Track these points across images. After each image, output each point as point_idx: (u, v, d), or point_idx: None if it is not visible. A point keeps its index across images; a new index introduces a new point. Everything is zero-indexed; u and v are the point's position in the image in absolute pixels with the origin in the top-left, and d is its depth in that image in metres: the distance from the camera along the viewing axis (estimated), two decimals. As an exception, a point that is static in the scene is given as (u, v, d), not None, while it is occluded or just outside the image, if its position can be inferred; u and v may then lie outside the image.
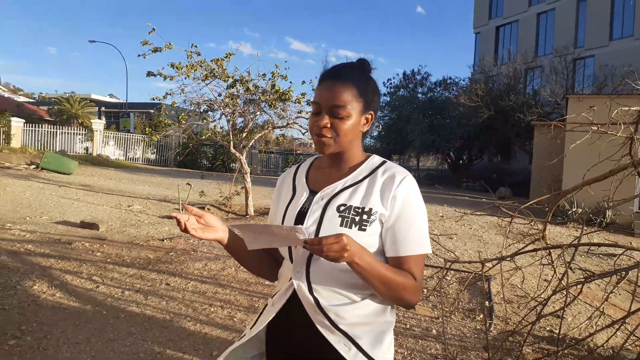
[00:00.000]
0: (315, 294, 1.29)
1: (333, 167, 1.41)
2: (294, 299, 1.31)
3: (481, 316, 4.38)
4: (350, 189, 1.33)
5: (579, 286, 3.02)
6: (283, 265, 1.44)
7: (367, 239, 1.26)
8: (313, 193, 1.38)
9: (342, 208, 1.29)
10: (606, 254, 6.89)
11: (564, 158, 11.05)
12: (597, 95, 14.75)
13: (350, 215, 1.28)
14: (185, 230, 1.29)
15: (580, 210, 10.54)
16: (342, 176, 1.37)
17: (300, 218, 1.33)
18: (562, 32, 25.71)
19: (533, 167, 15.90)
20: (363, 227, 1.26)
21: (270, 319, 1.34)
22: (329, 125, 1.31)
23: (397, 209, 1.28)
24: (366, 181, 1.34)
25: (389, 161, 1.40)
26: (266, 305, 1.40)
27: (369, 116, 1.38)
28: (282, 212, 1.41)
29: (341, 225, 1.27)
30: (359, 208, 1.29)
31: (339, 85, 1.31)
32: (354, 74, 1.34)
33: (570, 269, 2.27)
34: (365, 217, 1.27)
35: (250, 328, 1.41)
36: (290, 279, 1.32)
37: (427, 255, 6.07)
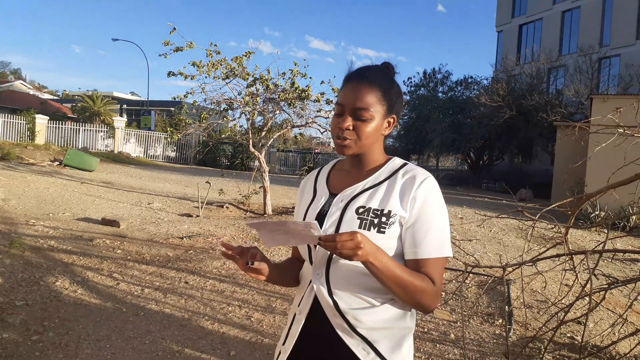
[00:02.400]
0: (334, 296, 1.28)
1: (353, 170, 1.40)
2: (315, 302, 1.32)
3: (500, 321, 4.32)
4: (370, 191, 1.32)
5: (602, 292, 2.95)
6: (303, 268, 1.44)
7: (386, 242, 1.25)
8: (333, 195, 1.37)
9: (360, 210, 1.28)
10: (630, 259, 6.74)
11: (587, 162, 10.83)
12: (622, 96, 14.45)
13: (369, 218, 1.27)
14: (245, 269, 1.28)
15: (602, 213, 10.33)
16: (362, 178, 1.36)
17: (319, 220, 1.33)
18: (588, 31, 25.23)
19: (555, 169, 15.65)
20: (382, 230, 1.25)
21: (300, 328, 1.34)
22: (351, 128, 1.30)
23: (417, 210, 1.26)
24: (386, 183, 1.33)
25: (410, 163, 1.38)
26: (294, 315, 1.39)
27: (391, 120, 1.36)
28: (303, 214, 1.41)
29: (360, 227, 1.26)
30: (377, 210, 1.27)
31: (364, 87, 1.30)
32: (379, 77, 1.33)
33: (594, 275, 2.22)
34: (384, 219, 1.26)
35: (283, 344, 1.39)
36: (310, 281, 1.32)
37: (447, 259, 5.96)
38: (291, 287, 1.52)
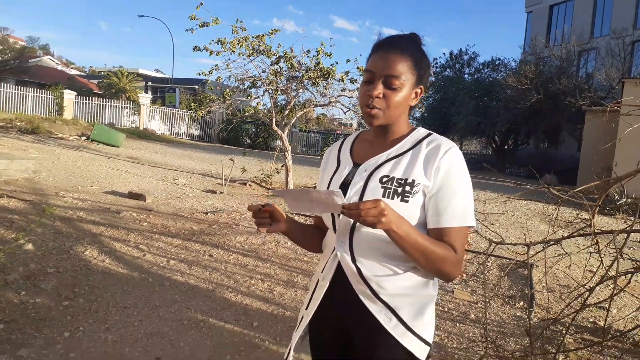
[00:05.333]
0: (358, 263, 1.30)
1: (378, 140, 1.40)
2: (338, 269, 1.34)
3: (521, 303, 4.32)
4: (393, 161, 1.33)
5: (627, 277, 2.91)
6: (327, 236, 1.46)
7: (410, 211, 1.26)
8: (357, 165, 1.38)
9: (384, 179, 1.29)
10: (657, 247, 6.61)
11: (616, 145, 10.58)
12: (656, 80, 13.99)
13: (393, 187, 1.27)
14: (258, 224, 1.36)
15: (630, 201, 10.11)
16: (386, 148, 1.37)
17: (343, 189, 1.34)
18: (621, 12, 24.36)
19: (582, 154, 15.34)
20: (405, 199, 1.26)
21: (323, 294, 1.37)
22: (381, 96, 1.30)
23: (440, 179, 1.27)
24: (410, 153, 1.33)
25: (434, 133, 1.37)
26: (317, 281, 1.42)
27: (419, 90, 1.36)
28: (327, 184, 1.42)
29: (383, 196, 1.26)
30: (401, 179, 1.28)
31: (396, 54, 1.29)
32: (411, 46, 1.33)
33: (621, 256, 2.20)
34: (407, 188, 1.26)
35: (306, 309, 1.43)
36: (334, 249, 1.35)
37: (469, 241, 5.87)
38: (309, 251, 1.55)
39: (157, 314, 3.57)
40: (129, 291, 3.92)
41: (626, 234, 2.32)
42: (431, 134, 1.37)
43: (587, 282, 4.00)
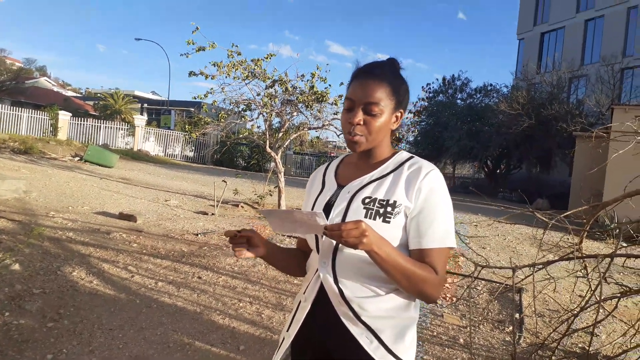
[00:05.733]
0: (340, 284, 1.31)
1: (361, 163, 1.44)
2: (321, 291, 1.35)
3: (510, 328, 4.30)
4: (376, 182, 1.35)
5: (614, 301, 2.92)
6: (311, 257, 1.47)
7: (392, 231, 1.28)
8: (341, 187, 1.41)
9: (367, 200, 1.32)
10: (647, 272, 6.63)
11: (606, 171, 10.70)
12: (645, 107, 14.21)
13: (375, 207, 1.29)
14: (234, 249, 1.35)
15: (615, 225, 10.16)
16: (370, 170, 1.40)
17: (327, 210, 1.37)
18: (611, 40, 24.86)
19: (573, 179, 15.45)
20: (387, 219, 1.28)
21: (304, 315, 1.37)
22: (362, 123, 1.34)
23: (422, 201, 1.29)
24: (392, 175, 1.36)
25: (416, 156, 1.41)
26: (299, 302, 1.42)
27: (399, 114, 1.40)
28: (311, 205, 1.45)
29: (365, 216, 1.29)
30: (383, 200, 1.30)
31: (374, 82, 1.33)
32: (388, 72, 1.37)
33: (605, 280, 2.21)
34: (389, 209, 1.29)
35: (287, 330, 1.43)
36: (317, 270, 1.36)
37: (460, 265, 5.87)
38: (289, 275, 1.56)
39: (143, 337, 3.53)
40: (116, 313, 3.88)
41: (610, 259, 2.34)
42: (413, 156, 1.41)
43: (577, 307, 4.00)
